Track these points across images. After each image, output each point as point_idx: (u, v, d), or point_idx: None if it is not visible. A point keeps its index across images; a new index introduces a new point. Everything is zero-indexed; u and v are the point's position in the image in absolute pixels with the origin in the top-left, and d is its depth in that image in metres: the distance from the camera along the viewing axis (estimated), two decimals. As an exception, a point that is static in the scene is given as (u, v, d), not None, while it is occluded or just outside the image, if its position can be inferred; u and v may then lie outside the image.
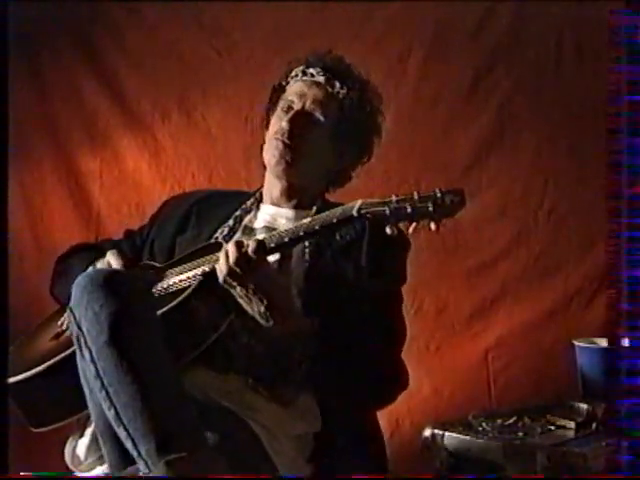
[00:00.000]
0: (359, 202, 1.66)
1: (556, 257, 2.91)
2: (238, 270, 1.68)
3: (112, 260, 1.91)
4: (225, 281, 1.70)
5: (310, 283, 1.82)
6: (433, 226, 1.60)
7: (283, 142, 1.91)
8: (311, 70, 1.97)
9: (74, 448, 1.81)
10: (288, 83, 2.01)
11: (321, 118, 1.93)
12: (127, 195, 3.01)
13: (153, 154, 3.04)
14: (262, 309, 1.70)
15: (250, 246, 1.69)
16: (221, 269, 1.70)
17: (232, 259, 1.69)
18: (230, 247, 1.70)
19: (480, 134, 2.94)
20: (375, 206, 1.63)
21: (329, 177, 2.02)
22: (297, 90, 1.96)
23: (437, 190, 1.59)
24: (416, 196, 1.60)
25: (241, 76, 2.99)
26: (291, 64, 2.01)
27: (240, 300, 1.72)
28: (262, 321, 1.72)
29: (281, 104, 1.97)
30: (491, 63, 2.93)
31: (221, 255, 1.71)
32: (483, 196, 2.89)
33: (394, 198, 1.62)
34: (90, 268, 1.95)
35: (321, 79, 1.95)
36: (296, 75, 1.99)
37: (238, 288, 1.70)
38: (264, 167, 2.00)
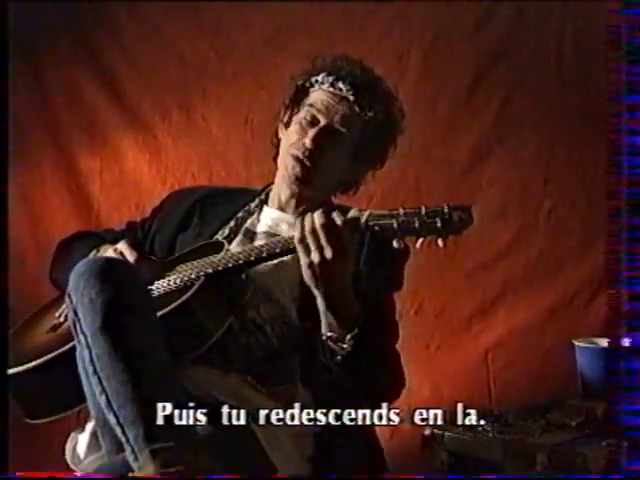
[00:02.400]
0: (367, 213, 1.64)
1: (556, 257, 2.91)
2: (322, 232, 1.63)
3: (125, 251, 1.90)
4: (302, 240, 1.65)
5: (306, 288, 1.77)
6: (441, 243, 1.59)
7: (302, 163, 1.88)
8: (340, 84, 1.91)
9: (74, 446, 1.82)
10: (312, 86, 1.94)
11: (345, 134, 1.89)
12: (127, 195, 3.01)
13: (153, 154, 3.04)
14: (331, 283, 1.65)
15: (338, 218, 1.65)
16: (302, 227, 1.65)
17: (320, 221, 1.64)
18: (316, 214, 1.66)
19: (480, 134, 2.94)
20: (383, 218, 1.62)
21: (339, 185, 2.00)
22: (324, 101, 1.91)
23: (445, 206, 1.58)
24: (424, 210, 1.59)
25: (241, 76, 2.99)
26: (316, 62, 1.95)
27: (307, 268, 1.65)
28: (322, 296, 1.66)
29: (304, 112, 1.92)
30: (491, 63, 2.93)
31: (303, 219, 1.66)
32: (483, 196, 2.89)
33: (401, 211, 1.60)
34: (92, 253, 1.95)
35: (351, 97, 1.90)
36: (322, 82, 1.93)
37: (314, 254, 1.63)
38: (275, 167, 1.98)
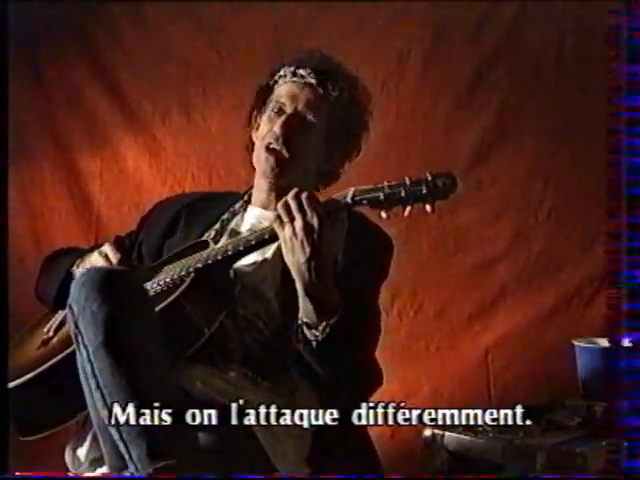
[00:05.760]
0: (352, 189, 1.66)
1: (556, 257, 2.91)
2: (295, 202, 1.65)
3: (109, 252, 1.91)
4: (277, 217, 1.66)
5: (286, 284, 1.76)
6: (429, 208, 1.62)
7: (274, 150, 1.89)
8: (301, 71, 1.93)
9: (74, 450, 1.81)
10: (276, 83, 1.97)
11: (313, 120, 1.90)
12: (127, 195, 3.01)
13: (153, 154, 3.04)
14: (303, 259, 1.64)
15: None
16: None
17: (292, 194, 1.66)
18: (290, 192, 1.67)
19: (480, 134, 2.94)
20: (368, 192, 1.64)
21: (319, 177, 1.99)
22: (288, 92, 1.93)
23: (427, 174, 1.62)
24: (408, 181, 1.62)
25: (241, 76, 2.99)
26: (276, 63, 1.98)
27: (284, 244, 1.66)
28: (299, 277, 1.66)
29: (271, 105, 1.94)
30: (491, 63, 2.93)
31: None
32: (483, 196, 2.89)
33: (386, 184, 1.63)
34: (77, 262, 1.95)
35: (312, 81, 1.91)
36: (285, 75, 1.95)
37: (287, 226, 1.65)
38: (253, 169, 1.99)
